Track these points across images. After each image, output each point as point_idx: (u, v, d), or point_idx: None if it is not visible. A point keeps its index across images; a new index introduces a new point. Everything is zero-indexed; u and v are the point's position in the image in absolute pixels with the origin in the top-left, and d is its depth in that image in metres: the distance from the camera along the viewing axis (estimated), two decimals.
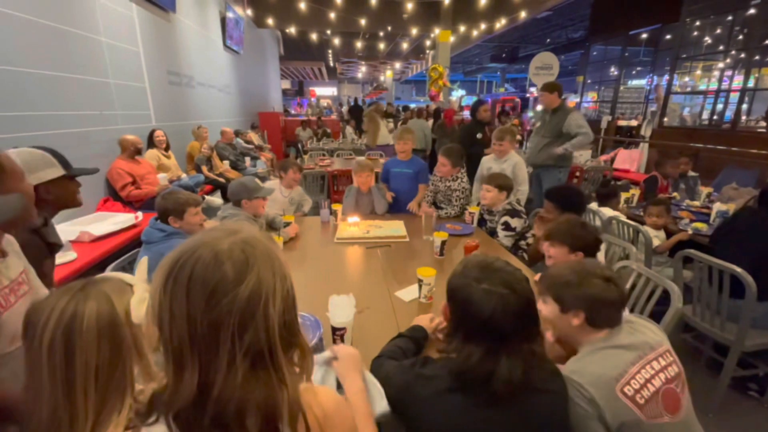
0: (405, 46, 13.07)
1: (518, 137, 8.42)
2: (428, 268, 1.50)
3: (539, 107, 3.64)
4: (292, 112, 15.57)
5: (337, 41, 11.11)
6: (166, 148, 3.87)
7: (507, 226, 2.29)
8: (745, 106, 5.44)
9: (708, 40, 6.48)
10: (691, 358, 2.03)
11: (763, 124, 5.72)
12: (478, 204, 2.60)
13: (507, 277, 0.83)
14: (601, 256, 1.53)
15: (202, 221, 1.74)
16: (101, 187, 3.17)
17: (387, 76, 20.59)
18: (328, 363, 0.87)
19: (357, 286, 1.64)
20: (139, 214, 2.86)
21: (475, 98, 8.41)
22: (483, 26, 8.72)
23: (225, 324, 0.53)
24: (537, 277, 1.66)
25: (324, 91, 23.28)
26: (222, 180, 4.35)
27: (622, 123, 7.74)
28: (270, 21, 8.60)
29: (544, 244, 1.53)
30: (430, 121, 7.31)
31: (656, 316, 1.33)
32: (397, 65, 17.50)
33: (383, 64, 17.64)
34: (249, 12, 8.41)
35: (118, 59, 3.46)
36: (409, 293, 1.56)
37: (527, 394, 0.79)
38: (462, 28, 8.93)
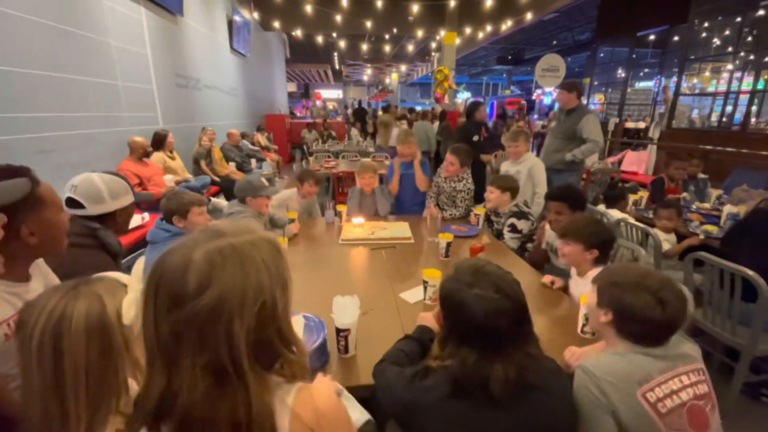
0: (410, 48, 13.08)
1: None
2: (433, 269, 1.49)
3: (557, 106, 3.61)
4: (298, 114, 15.65)
5: (342, 44, 11.16)
6: (172, 150, 3.89)
7: (513, 228, 2.27)
8: (754, 108, 5.37)
9: (716, 41, 6.41)
10: None
11: None
12: (484, 205, 2.59)
13: (498, 281, 0.84)
14: None
15: (206, 221, 1.75)
16: None
17: (392, 78, 20.63)
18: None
19: (361, 288, 1.63)
20: (146, 215, 2.87)
21: (480, 100, 8.40)
22: (489, 28, 8.70)
23: (184, 336, 0.52)
24: (545, 279, 1.65)
25: (330, 94, 23.37)
26: (219, 180, 4.36)
27: (629, 125, 7.67)
28: (276, 24, 8.65)
29: (559, 242, 1.53)
30: (436, 123, 7.30)
31: None
32: (403, 68, 17.53)
33: (389, 66, 17.68)
34: (255, 15, 8.47)
35: (127, 62, 3.50)
36: (414, 295, 1.55)
37: (526, 394, 0.79)
38: (467, 30, 8.93)
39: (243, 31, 7.28)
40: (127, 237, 2.46)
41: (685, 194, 3.37)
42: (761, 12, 5.28)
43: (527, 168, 2.91)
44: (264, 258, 0.55)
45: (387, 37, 10.69)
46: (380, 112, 14.55)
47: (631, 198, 3.19)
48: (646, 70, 10.96)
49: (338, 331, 1.16)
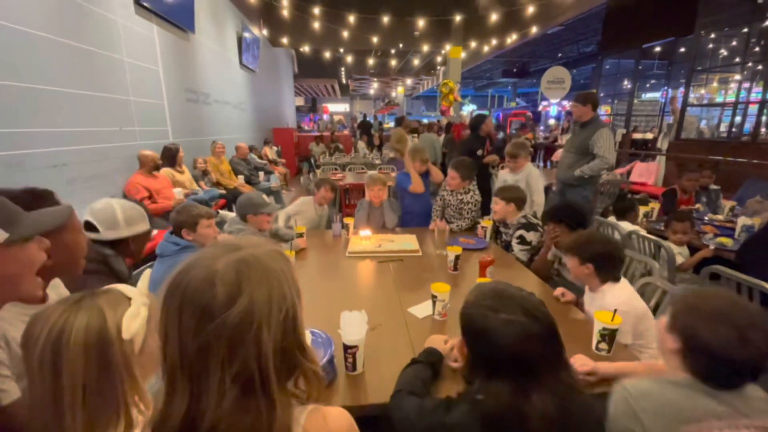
0: (416, 62, 13.24)
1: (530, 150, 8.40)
2: (442, 283, 1.46)
3: (563, 118, 3.62)
4: (305, 127, 15.82)
5: (349, 59, 11.33)
6: (180, 164, 3.94)
7: (522, 240, 2.24)
8: (764, 118, 5.31)
9: (723, 52, 6.39)
10: None
11: None
12: (491, 217, 2.57)
13: (524, 303, 0.79)
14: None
15: (215, 234, 1.76)
16: None
17: (398, 92, 20.85)
18: None
19: (369, 302, 1.61)
20: (154, 231, 2.89)
21: (485, 112, 8.40)
22: (494, 42, 8.78)
23: (214, 349, 0.51)
24: (557, 292, 1.61)
25: (337, 108, 23.65)
26: (226, 192, 4.39)
27: (637, 136, 7.63)
28: (285, 40, 8.82)
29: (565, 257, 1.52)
30: (443, 136, 7.33)
31: None
32: (409, 81, 17.72)
33: (395, 80, 17.89)
34: (265, 32, 8.65)
35: (139, 78, 3.57)
36: (422, 309, 1.52)
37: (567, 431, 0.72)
38: (473, 44, 9.02)
39: (252, 47, 7.43)
40: None
41: (698, 205, 3.31)
42: None
43: (525, 177, 2.91)
44: (282, 268, 0.57)
45: (393, 51, 10.84)
46: (387, 125, 14.62)
47: (642, 210, 3.14)
48: (653, 81, 10.95)
49: (346, 347, 1.13)
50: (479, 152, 4.19)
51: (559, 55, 14.76)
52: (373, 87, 20.41)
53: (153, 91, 3.86)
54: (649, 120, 9.43)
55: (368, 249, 2.20)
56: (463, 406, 0.77)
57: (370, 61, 12.22)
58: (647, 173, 5.76)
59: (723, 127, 6.16)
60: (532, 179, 2.89)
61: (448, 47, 9.30)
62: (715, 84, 6.94)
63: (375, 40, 8.65)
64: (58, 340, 0.60)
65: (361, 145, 9.35)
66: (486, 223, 2.46)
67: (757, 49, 5.57)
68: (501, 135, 8.19)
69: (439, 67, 12.87)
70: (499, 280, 0.93)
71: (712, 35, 6.04)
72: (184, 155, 4.01)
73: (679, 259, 2.32)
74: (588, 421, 0.76)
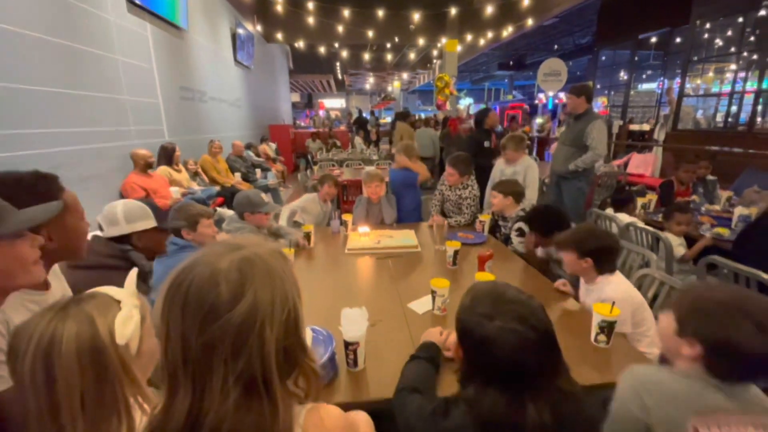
0: (412, 56, 13.18)
1: (527, 142, 8.40)
2: (441, 279, 1.47)
3: (560, 110, 3.65)
4: (302, 124, 15.75)
5: (345, 53, 11.26)
6: (177, 163, 3.92)
7: (521, 233, 2.25)
8: (760, 107, 5.32)
9: (719, 42, 6.38)
10: None
11: None
12: (491, 213, 2.58)
13: (521, 309, 0.77)
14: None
15: (215, 233, 1.74)
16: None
17: (394, 86, 20.77)
18: None
19: (369, 298, 1.61)
20: None
21: (482, 106, 8.37)
22: (490, 35, 8.74)
23: (218, 347, 0.51)
24: (558, 283, 1.62)
25: (333, 103, 23.54)
26: (223, 189, 4.38)
27: (634, 127, 7.63)
28: (279, 36, 8.75)
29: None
30: (439, 131, 7.32)
31: None
32: (405, 75, 17.65)
33: (391, 74, 17.81)
34: (259, 28, 8.57)
35: (133, 76, 3.54)
36: (422, 305, 1.53)
37: None
38: (469, 37, 8.97)
39: (247, 44, 7.37)
40: None
41: (694, 197, 3.32)
42: (763, 12, 5.25)
43: (524, 169, 2.93)
44: (283, 268, 0.57)
45: (389, 46, 10.78)
46: (384, 120, 14.53)
47: (640, 201, 3.15)
48: (649, 72, 10.93)
49: (347, 344, 1.13)
50: (486, 144, 4.20)
51: (555, 47, 14.71)
52: (369, 82, 20.32)
53: (147, 89, 3.83)
54: (645, 111, 9.43)
55: (367, 245, 2.20)
56: (460, 407, 0.77)
57: (366, 56, 12.16)
58: (644, 164, 5.77)
59: (719, 117, 6.16)
60: (531, 173, 2.91)
61: (444, 41, 9.25)
62: (711, 74, 6.94)
63: (370, 34, 8.59)
64: (48, 351, 0.58)
65: (358, 140, 9.31)
66: (484, 217, 2.47)
67: (752, 38, 5.56)
68: (499, 128, 8.18)
69: (435, 61, 12.81)
70: (497, 280, 0.92)
71: (708, 25, 6.02)
72: (181, 154, 3.99)
73: (680, 251, 2.33)
74: (585, 418, 0.75)
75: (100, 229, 1.38)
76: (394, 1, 8.35)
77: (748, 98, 5.40)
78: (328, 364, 1.09)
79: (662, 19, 7.45)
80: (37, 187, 0.89)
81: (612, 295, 1.31)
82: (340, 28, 8.37)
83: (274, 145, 7.68)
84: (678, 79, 6.28)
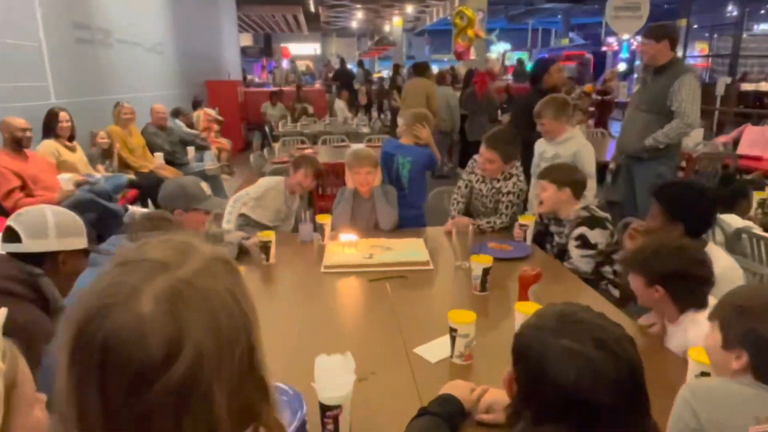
0: None
1: (587, 108, 8.40)
2: (464, 311, 1.48)
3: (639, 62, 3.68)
4: (256, 80, 15.80)
5: None
6: (71, 138, 3.90)
7: (584, 243, 2.27)
8: None
9: None
10: None
11: None
12: (537, 213, 2.60)
13: (599, 333, 0.83)
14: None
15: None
16: None
17: (394, 25, 20.84)
18: None
19: (357, 340, 1.63)
20: None
21: (521, 55, 8.35)
22: None
23: (154, 417, 0.53)
24: (643, 320, 1.64)
25: (302, 49, 23.59)
26: (137, 178, 4.37)
27: (747, 87, 7.71)
28: None
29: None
30: (460, 91, 7.35)
31: None
32: (409, 9, 17.73)
33: (389, 7, 17.87)
34: None
35: (1, 8, 3.53)
36: (436, 350, 1.54)
37: None
38: None
39: None
40: None
41: None
42: None
43: (572, 152, 2.95)
44: (227, 287, 0.59)
45: None
46: (378, 74, 14.57)
47: (757, 197, 3.18)
48: None
49: (324, 409, 1.14)
50: None
51: None
52: (357, 18, 20.36)
53: (23, 27, 3.81)
54: (765, 64, 9.54)
55: (353, 261, 2.21)
56: None
57: None
58: (763, 142, 5.82)
59: None
60: (580, 157, 2.92)
61: None
62: None
63: None
64: None
65: (340, 105, 9.36)
66: (526, 219, 2.48)
67: None
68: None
69: None
70: (555, 303, 0.96)
71: None
72: (75, 125, 3.97)
73: None
74: None
75: (5, 238, 1.44)
76: None
77: None
78: None
79: None
80: None
81: (697, 341, 1.32)
82: None
83: (214, 112, 7.67)
84: None
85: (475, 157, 2.86)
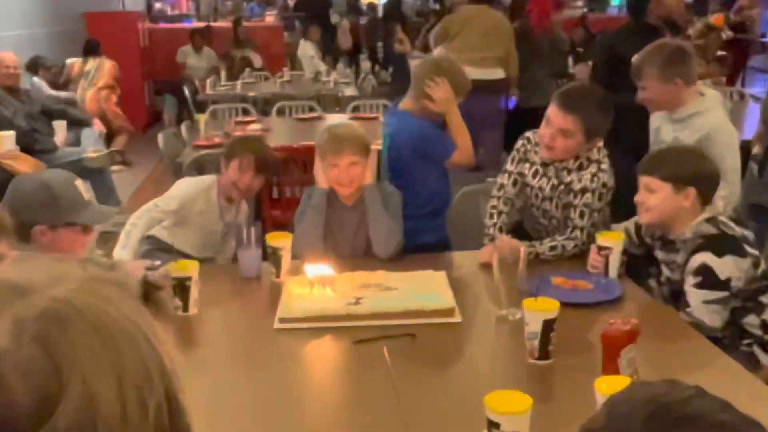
0: None
1: (715, 53, 8.27)
2: (512, 391, 1.49)
3: None
4: (169, 11, 15.82)
5: None
6: None
7: (708, 279, 2.28)
8: None
9: None
10: None
11: None
12: (632, 228, 2.62)
13: None
14: None
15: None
16: None
17: None
18: None
19: None
20: None
21: None
22: None
23: None
24: None
25: None
26: None
27: None
28: None
29: None
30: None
31: None
32: None
33: None
34: None
35: None
36: None
37: None
38: None
39: None
40: None
41: None
42: None
43: (700, 136, 3.01)
44: (126, 314, 0.63)
45: None
46: None
47: None
48: None
49: None
50: None
51: None
52: None
53: None
54: None
55: (329, 311, 2.22)
56: None
57: None
58: None
59: None
60: (715, 144, 2.96)
61: None
62: None
63: None
64: None
65: (308, 51, 9.39)
66: (612, 237, 2.51)
67: None
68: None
69: None
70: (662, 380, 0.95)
71: None
72: None
73: None
74: None
75: None
76: None
77: None
78: None
79: None
80: None
81: None
82: None
83: (94, 64, 7.69)
84: None
85: (529, 134, 2.88)
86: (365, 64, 10.93)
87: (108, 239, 2.82)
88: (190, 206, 2.90)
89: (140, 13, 10.58)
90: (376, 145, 3.17)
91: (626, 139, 3.29)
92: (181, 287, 2.26)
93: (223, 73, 8.45)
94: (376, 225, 2.77)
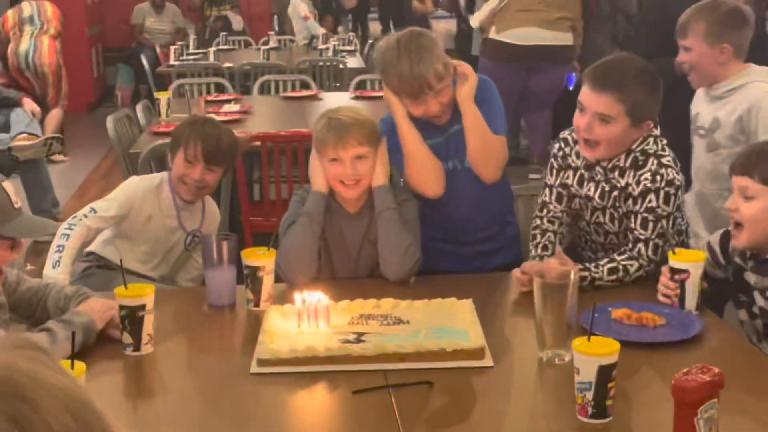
0: None
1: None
2: None
3: None
4: None
5: None
6: None
7: None
8: None
9: None
10: None
11: None
12: (716, 245, 2.62)
13: None
14: None
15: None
16: None
17: None
18: None
19: None
20: None
21: None
22: None
23: None
24: None
25: None
26: None
27: None
28: None
29: None
30: None
31: None
32: None
33: None
34: None
35: None
36: None
37: None
38: None
39: None
40: None
41: None
42: None
43: (741, 110, 3.11)
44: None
45: None
46: None
47: None
48: None
49: None
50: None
51: None
52: None
53: None
54: None
55: (320, 350, 2.21)
56: None
57: None
58: None
59: None
60: (764, 109, 3.05)
61: None
62: None
63: None
64: None
65: (300, 8, 9.41)
66: (690, 257, 2.50)
67: None
68: None
69: None
70: None
71: None
72: None
73: None
74: None
75: None
76: None
77: None
78: None
79: None
80: None
81: None
82: None
83: (33, 7, 7.74)
84: None
85: (566, 134, 2.92)
86: (374, 27, 10.93)
87: (43, 251, 2.81)
88: (136, 211, 2.93)
89: None
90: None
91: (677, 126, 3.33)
92: (132, 319, 2.25)
93: (191, 38, 8.48)
94: (389, 238, 2.78)
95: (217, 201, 4.35)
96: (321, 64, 7.09)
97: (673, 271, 2.47)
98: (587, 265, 2.71)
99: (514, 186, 3.48)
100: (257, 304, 2.54)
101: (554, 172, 2.93)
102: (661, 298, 2.51)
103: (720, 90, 3.16)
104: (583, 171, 2.83)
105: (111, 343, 2.31)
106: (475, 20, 6.85)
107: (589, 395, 1.88)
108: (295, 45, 8.26)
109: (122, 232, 2.89)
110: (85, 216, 2.89)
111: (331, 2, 10.34)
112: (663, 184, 2.70)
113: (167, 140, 4.44)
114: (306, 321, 2.37)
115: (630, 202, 2.73)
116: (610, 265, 2.70)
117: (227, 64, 7.05)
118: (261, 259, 2.56)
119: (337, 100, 5.87)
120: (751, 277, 2.49)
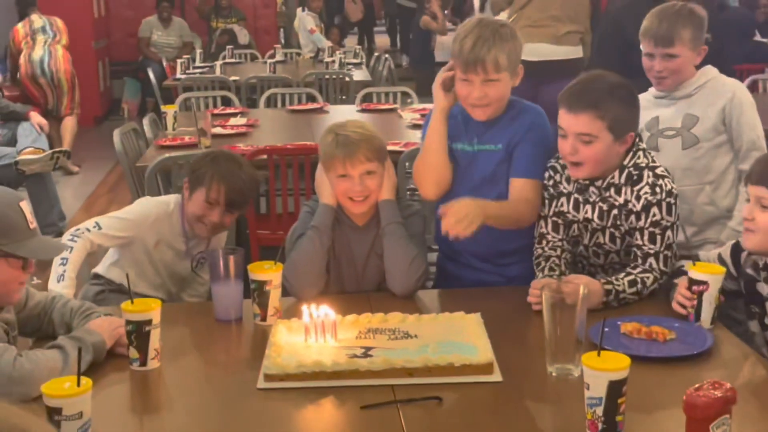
0: None
1: None
2: None
3: None
4: None
5: None
6: None
7: None
8: None
9: None
10: None
11: None
12: (727, 254, 2.61)
13: None
14: None
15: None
16: None
17: None
18: None
19: None
20: None
21: None
22: None
23: None
24: None
25: None
26: None
27: None
28: None
29: None
30: None
31: None
32: None
33: None
34: None
35: None
36: None
37: None
38: None
39: None
40: None
41: None
42: None
43: (725, 99, 3.16)
44: None
45: None
46: None
47: None
48: None
49: None
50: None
51: None
52: None
53: None
54: None
55: (328, 365, 2.20)
56: None
57: None
58: None
59: None
60: (746, 95, 3.10)
61: None
62: None
63: None
64: None
65: (307, 22, 9.42)
66: (709, 270, 2.48)
67: None
68: None
69: None
70: None
71: None
72: None
73: None
74: None
75: None
76: None
77: None
78: None
79: None
80: None
81: None
82: None
83: (44, 19, 7.74)
84: None
85: (553, 162, 2.94)
86: (381, 40, 10.94)
87: (48, 264, 2.80)
88: (144, 235, 2.94)
89: None
90: (393, 145, 3.17)
91: None
92: (139, 334, 2.24)
93: (198, 52, 8.49)
94: (394, 252, 2.78)
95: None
96: (327, 77, 7.10)
97: (692, 282, 2.46)
98: (608, 278, 2.71)
99: None
100: (264, 319, 2.53)
101: (546, 202, 2.93)
102: (675, 307, 2.51)
103: (689, 88, 3.22)
104: (576, 195, 2.83)
105: (117, 358, 2.30)
106: None
107: (599, 411, 1.86)
108: (301, 58, 8.27)
109: (127, 253, 2.88)
110: (89, 230, 2.89)
111: (336, 15, 10.35)
112: (663, 195, 2.71)
113: (174, 153, 4.46)
114: (313, 335, 2.36)
115: (633, 218, 2.73)
116: (628, 278, 2.69)
117: (234, 78, 7.06)
118: (268, 273, 2.56)
119: (343, 113, 5.96)
120: (764, 288, 2.48)
